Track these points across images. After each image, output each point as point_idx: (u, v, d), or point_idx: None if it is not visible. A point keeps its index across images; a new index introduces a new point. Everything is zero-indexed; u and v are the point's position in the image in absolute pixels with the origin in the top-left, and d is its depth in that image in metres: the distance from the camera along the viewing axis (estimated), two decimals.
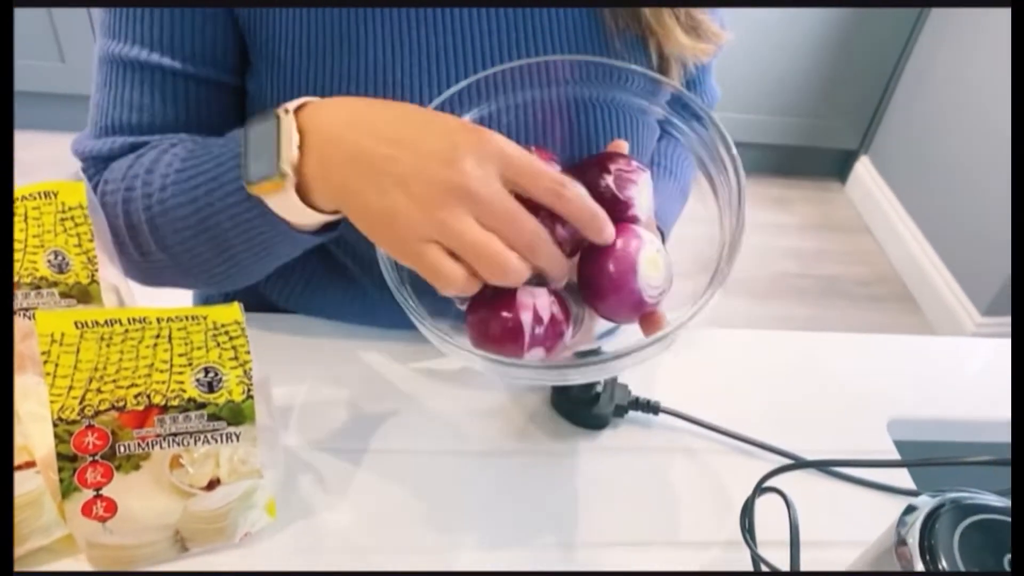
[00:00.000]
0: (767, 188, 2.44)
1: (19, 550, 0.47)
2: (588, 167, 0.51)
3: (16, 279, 0.50)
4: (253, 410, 0.46)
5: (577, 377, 0.46)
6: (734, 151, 0.49)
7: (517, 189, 0.44)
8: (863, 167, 2.39)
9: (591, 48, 0.59)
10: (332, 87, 0.55)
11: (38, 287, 0.51)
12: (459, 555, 0.52)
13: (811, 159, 2.46)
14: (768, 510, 0.50)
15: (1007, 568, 0.39)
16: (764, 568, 0.51)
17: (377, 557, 0.51)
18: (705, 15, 0.61)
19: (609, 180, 0.50)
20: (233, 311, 0.45)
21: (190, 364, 0.45)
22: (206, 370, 0.45)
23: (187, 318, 0.44)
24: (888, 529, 0.44)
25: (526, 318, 0.45)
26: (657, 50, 0.61)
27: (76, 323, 0.43)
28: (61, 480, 0.44)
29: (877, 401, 0.67)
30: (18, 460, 0.44)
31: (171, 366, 0.45)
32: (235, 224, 0.51)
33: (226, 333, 0.45)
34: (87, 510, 0.45)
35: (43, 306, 0.51)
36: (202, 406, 0.46)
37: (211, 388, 0.46)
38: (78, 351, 0.43)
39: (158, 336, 0.44)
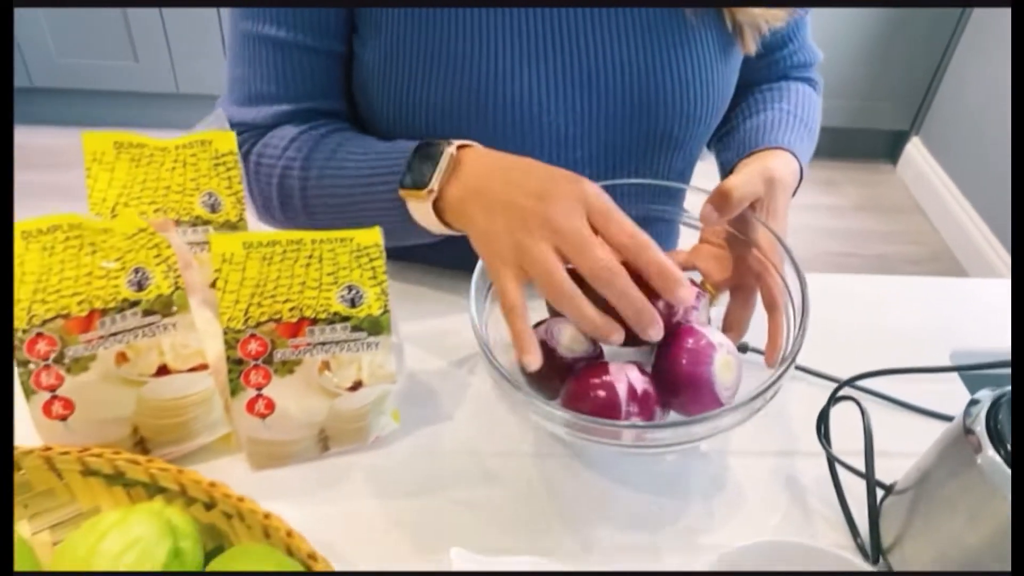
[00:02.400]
0: (816, 171, 2.46)
1: (190, 445, 0.55)
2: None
3: (176, 218, 0.58)
4: (389, 323, 0.53)
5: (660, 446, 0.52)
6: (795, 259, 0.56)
7: (597, 228, 0.50)
8: (914, 148, 2.40)
9: (665, 21, 0.64)
10: (433, 54, 0.62)
11: (195, 224, 0.58)
12: (567, 458, 0.58)
13: (861, 141, 2.47)
14: (839, 426, 0.56)
15: None
16: (840, 468, 0.56)
17: (493, 461, 0.58)
18: None
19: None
20: (374, 234, 0.52)
21: (336, 282, 0.52)
22: (349, 287, 0.52)
23: (335, 240, 0.51)
24: (955, 422, 0.49)
25: (621, 389, 0.51)
26: (730, 19, 0.66)
27: (244, 244, 0.50)
28: (230, 380, 0.51)
29: (940, 337, 0.71)
30: (193, 363, 0.52)
31: (320, 284, 0.52)
32: (378, 215, 0.61)
33: (367, 255, 0.52)
34: (250, 407, 0.52)
35: (201, 244, 0.58)
36: (346, 319, 0.53)
37: (353, 303, 0.53)
38: (244, 269, 0.51)
39: (310, 256, 0.51)
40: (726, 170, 0.71)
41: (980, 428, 0.46)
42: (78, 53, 2.17)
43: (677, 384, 0.53)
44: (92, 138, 0.55)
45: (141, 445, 0.54)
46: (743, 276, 0.61)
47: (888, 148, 2.50)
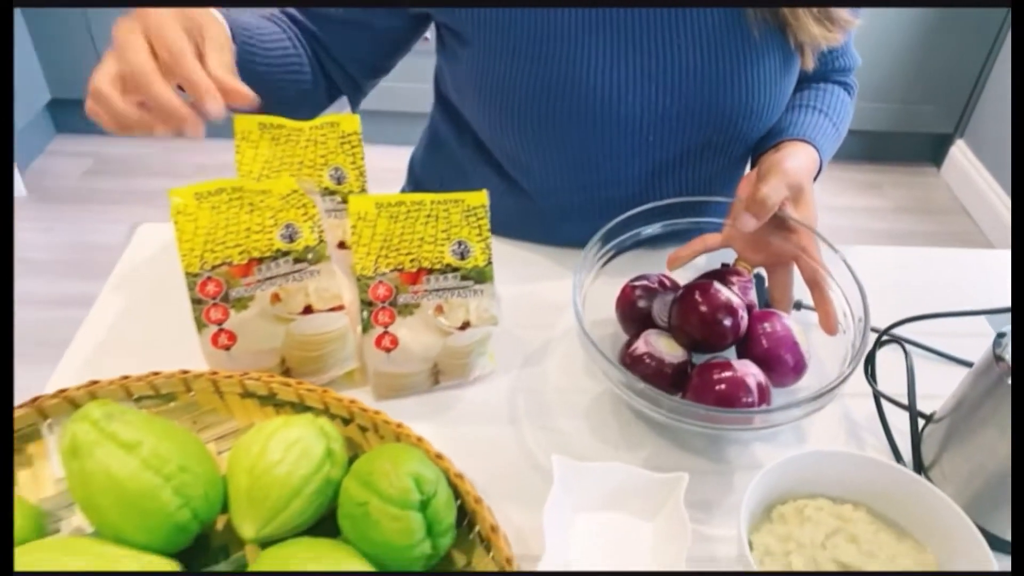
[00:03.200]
0: (860, 173, 2.51)
1: (324, 377, 0.64)
2: (716, 276, 0.69)
3: (318, 187, 0.68)
4: (492, 273, 0.62)
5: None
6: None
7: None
8: (959, 151, 2.43)
9: (732, 36, 0.71)
10: (523, 53, 0.71)
11: (323, 195, 0.68)
12: None
13: (904, 144, 2.51)
14: (882, 372, 0.63)
15: None
16: (886, 403, 0.64)
17: (580, 397, 0.67)
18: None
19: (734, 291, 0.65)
20: (481, 196, 0.61)
21: (448, 237, 0.62)
22: (459, 242, 0.62)
23: (449, 201, 0.61)
24: (986, 352, 0.56)
25: (751, 382, 0.59)
26: (793, 38, 0.73)
27: (376, 204, 0.60)
28: (361, 320, 0.61)
29: (977, 304, 0.78)
30: (332, 304, 0.61)
31: (436, 239, 0.62)
32: None
33: (475, 214, 0.62)
34: (378, 342, 0.62)
35: (328, 211, 0.68)
36: (456, 269, 0.62)
37: (462, 256, 0.62)
38: (375, 226, 0.61)
39: (428, 215, 0.61)
40: (755, 153, 0.80)
41: (1008, 354, 0.54)
42: None
43: (772, 358, 0.62)
44: (241, 120, 0.65)
45: (286, 375, 0.63)
46: (778, 255, 0.69)
47: (932, 151, 2.54)
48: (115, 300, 0.73)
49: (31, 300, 1.92)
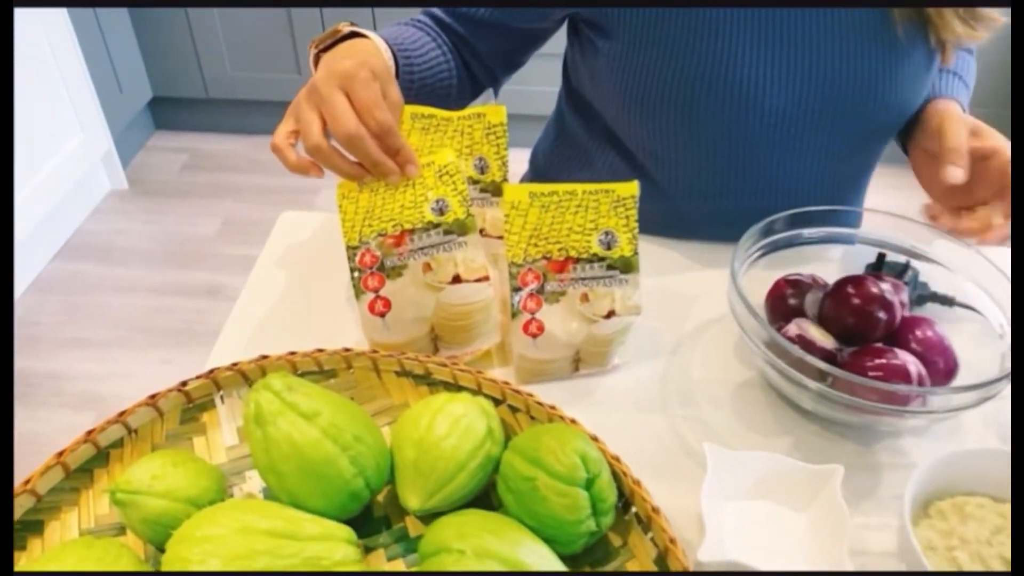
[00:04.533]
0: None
1: (469, 349, 0.67)
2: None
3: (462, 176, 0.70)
4: (638, 263, 0.64)
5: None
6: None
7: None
8: None
9: (878, 34, 0.71)
10: (669, 46, 0.72)
11: (468, 183, 0.71)
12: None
13: None
14: None
15: None
16: None
17: (720, 388, 0.67)
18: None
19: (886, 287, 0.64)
20: (631, 187, 0.62)
21: (595, 227, 0.63)
22: (606, 232, 0.63)
23: (600, 191, 0.62)
24: None
25: (912, 370, 0.59)
26: (935, 36, 0.73)
27: (529, 193, 0.62)
28: (511, 305, 0.63)
29: None
30: (478, 275, 0.63)
31: (583, 229, 0.63)
32: None
33: (623, 204, 0.63)
34: (525, 328, 0.63)
35: (474, 200, 0.71)
36: (602, 259, 0.63)
37: (609, 246, 0.63)
38: (526, 215, 0.62)
39: (578, 205, 0.63)
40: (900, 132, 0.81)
41: None
42: (249, 67, 2.41)
43: (924, 361, 0.61)
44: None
45: (434, 343, 0.66)
46: (985, 189, 0.69)
47: None
48: (263, 284, 0.77)
49: (135, 287, 2.01)
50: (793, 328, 0.64)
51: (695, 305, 0.75)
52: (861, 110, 0.74)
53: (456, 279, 0.64)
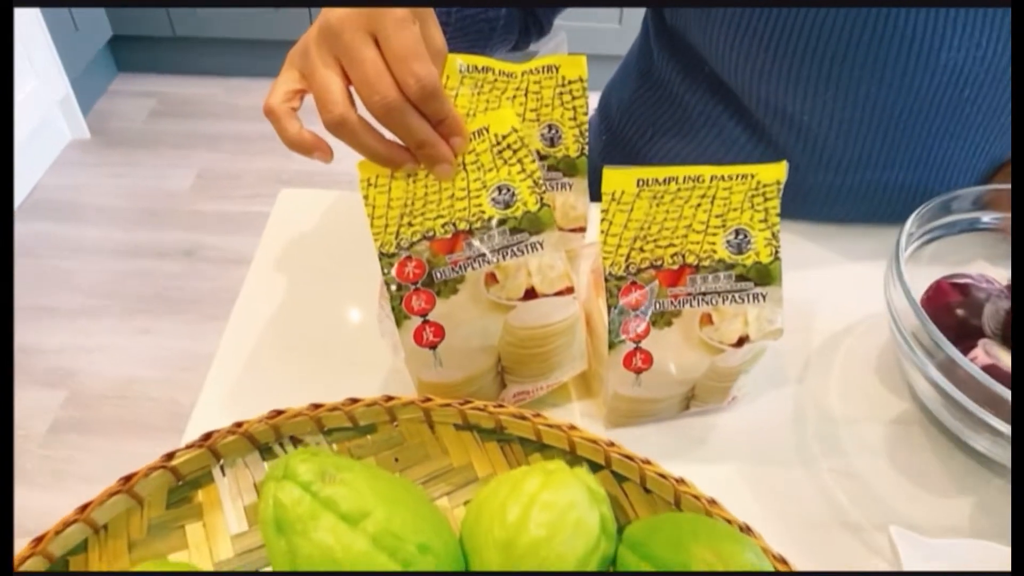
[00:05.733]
0: None
1: (546, 382, 0.50)
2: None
3: (529, 150, 0.53)
4: (780, 271, 0.47)
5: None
6: None
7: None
8: None
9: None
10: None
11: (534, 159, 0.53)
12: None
13: None
14: None
15: None
16: None
17: (863, 428, 0.52)
18: None
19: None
20: (778, 170, 0.46)
21: (723, 225, 0.47)
22: (737, 231, 0.47)
23: (735, 177, 0.46)
24: None
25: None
26: None
27: (638, 181, 0.45)
28: (609, 332, 0.47)
29: None
30: (559, 287, 0.46)
31: (707, 227, 0.47)
32: None
33: (763, 194, 0.46)
34: (627, 361, 0.47)
35: (546, 181, 0.53)
36: (731, 267, 0.47)
37: (740, 250, 0.47)
38: (632, 209, 0.46)
39: (703, 195, 0.46)
40: None
41: None
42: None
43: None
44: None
45: (500, 377, 0.50)
46: None
47: None
48: (261, 290, 0.60)
49: (102, 249, 1.82)
50: (981, 355, 0.48)
51: (820, 309, 0.59)
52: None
53: (530, 293, 0.47)
